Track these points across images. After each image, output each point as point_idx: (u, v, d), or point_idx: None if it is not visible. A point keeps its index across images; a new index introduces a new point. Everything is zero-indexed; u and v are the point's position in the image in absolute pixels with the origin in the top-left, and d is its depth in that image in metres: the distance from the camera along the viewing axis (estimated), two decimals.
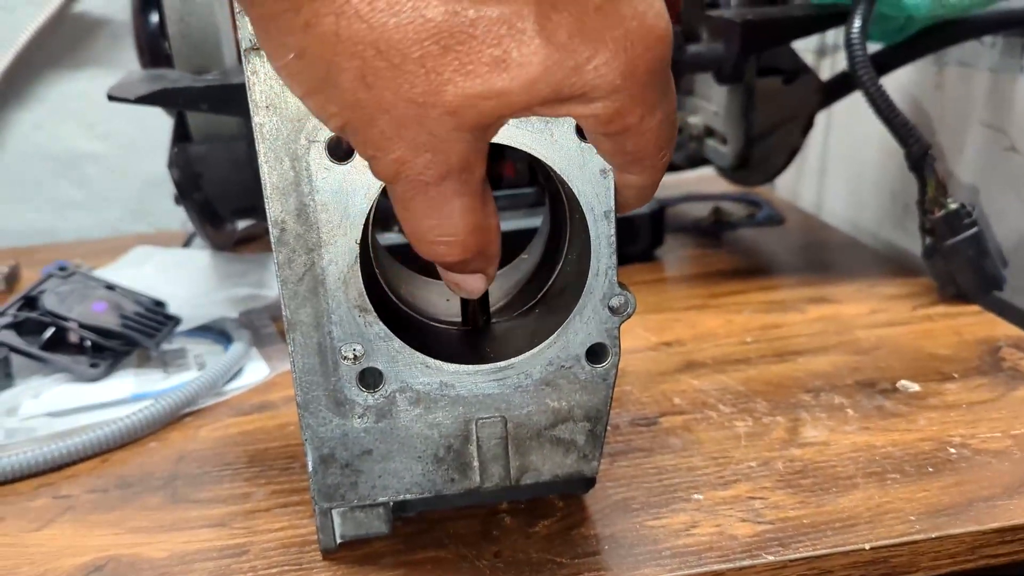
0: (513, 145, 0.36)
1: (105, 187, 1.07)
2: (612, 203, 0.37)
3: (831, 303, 0.70)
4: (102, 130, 1.04)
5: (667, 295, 0.74)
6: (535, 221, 0.74)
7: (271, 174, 0.35)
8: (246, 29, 0.34)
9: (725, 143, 0.82)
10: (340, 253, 0.36)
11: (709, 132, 0.86)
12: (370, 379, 0.38)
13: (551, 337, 0.39)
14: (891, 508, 0.44)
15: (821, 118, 0.79)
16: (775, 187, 1.04)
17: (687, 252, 0.85)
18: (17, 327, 0.63)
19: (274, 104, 0.34)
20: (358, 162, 0.35)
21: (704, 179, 1.02)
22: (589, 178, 0.37)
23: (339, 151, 0.35)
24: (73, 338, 0.64)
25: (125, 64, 0.94)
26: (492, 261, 0.34)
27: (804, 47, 0.82)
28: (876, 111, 0.65)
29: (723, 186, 0.99)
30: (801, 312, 0.69)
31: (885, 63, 0.72)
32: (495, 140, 0.36)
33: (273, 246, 0.36)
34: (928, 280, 0.71)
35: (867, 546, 0.41)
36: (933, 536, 0.41)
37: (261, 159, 0.35)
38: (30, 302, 0.66)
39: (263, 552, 0.43)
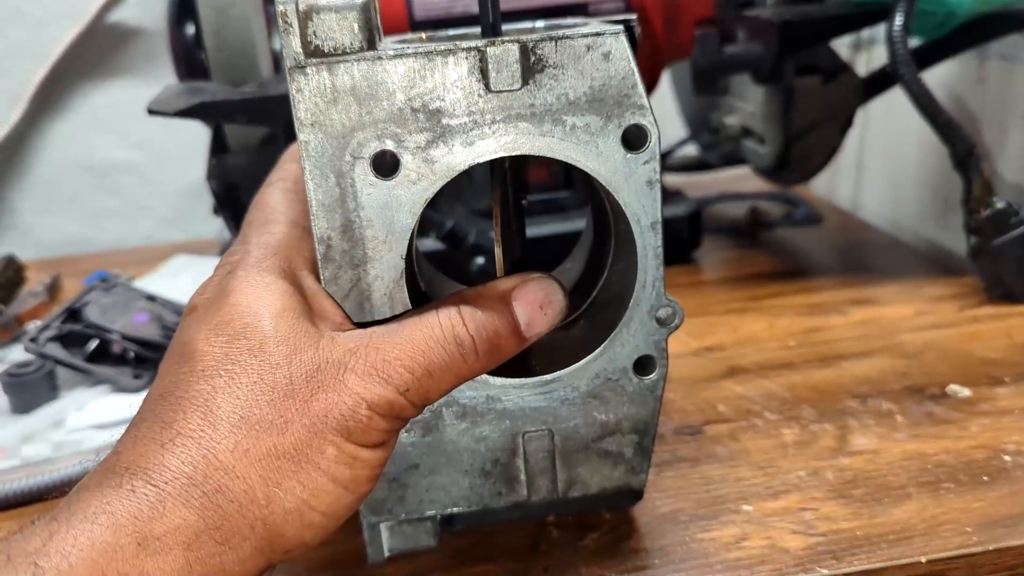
0: (559, 158, 0.36)
1: (141, 196, 1.08)
2: (659, 214, 0.37)
3: (874, 305, 0.69)
4: (137, 139, 1.05)
5: (707, 298, 0.73)
6: (571, 225, 0.74)
7: (316, 191, 0.35)
8: (291, 47, 0.34)
9: (763, 143, 0.81)
10: (386, 269, 0.36)
11: (746, 132, 0.85)
12: None
13: (598, 350, 0.39)
14: (946, 519, 0.43)
15: (858, 113, 0.78)
16: (811, 184, 1.03)
17: (725, 253, 0.84)
18: (62, 339, 0.64)
19: (319, 122, 0.34)
20: (402, 178, 0.35)
21: (739, 178, 1.01)
22: (635, 189, 0.36)
23: (384, 167, 0.35)
24: (116, 349, 0.64)
25: (159, 74, 0.95)
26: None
27: (839, 42, 0.81)
28: (920, 110, 0.64)
29: (758, 184, 0.97)
30: (844, 314, 0.67)
31: (926, 58, 0.71)
32: (540, 153, 0.35)
33: (319, 262, 0.36)
34: (973, 280, 0.70)
35: (923, 559, 0.40)
36: (991, 548, 0.41)
37: (307, 176, 0.35)
38: (73, 314, 0.66)
39: (313, 567, 0.43)
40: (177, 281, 0.83)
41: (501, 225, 0.40)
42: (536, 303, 0.35)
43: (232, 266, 0.35)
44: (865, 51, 0.92)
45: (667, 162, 0.98)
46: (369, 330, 0.34)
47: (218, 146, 0.69)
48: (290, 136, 0.35)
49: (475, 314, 0.34)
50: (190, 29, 0.71)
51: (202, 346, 0.32)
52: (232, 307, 0.33)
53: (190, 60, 0.71)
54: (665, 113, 0.99)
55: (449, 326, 0.34)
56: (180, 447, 0.30)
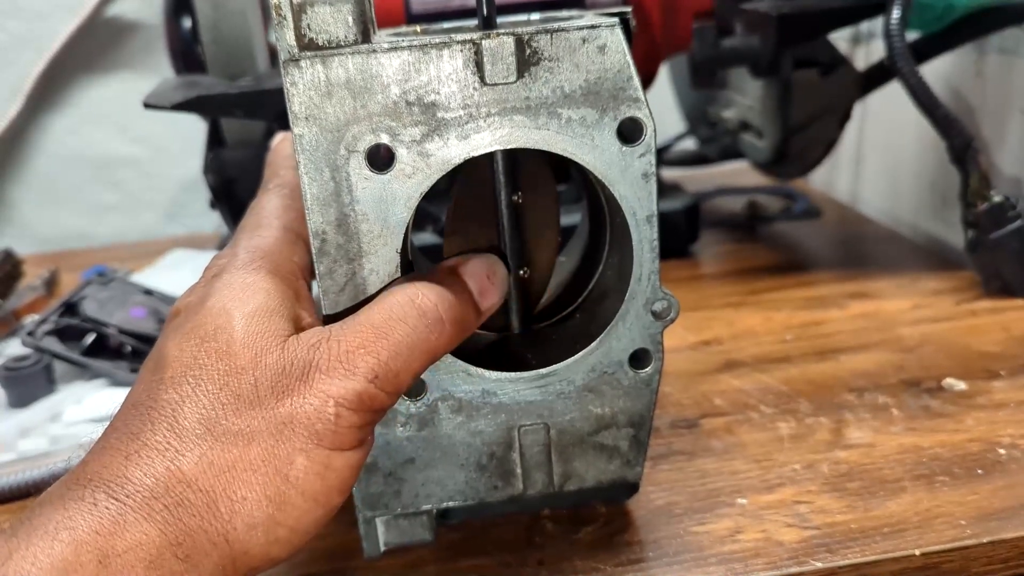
0: (554, 151, 0.36)
1: (140, 190, 1.08)
2: (655, 207, 0.37)
3: (872, 299, 0.69)
4: (136, 134, 1.05)
5: (704, 292, 0.73)
6: (568, 219, 0.74)
7: (311, 185, 0.35)
8: (285, 40, 0.34)
9: (761, 137, 0.81)
10: (381, 263, 0.36)
11: (744, 126, 0.85)
12: (412, 388, 0.38)
13: (593, 343, 0.39)
14: (941, 512, 0.43)
15: (856, 106, 0.78)
16: (809, 179, 1.03)
17: (723, 247, 0.84)
18: (59, 333, 0.64)
19: (313, 115, 0.34)
20: (398, 171, 0.35)
21: (738, 172, 1.01)
22: (631, 182, 0.36)
23: (379, 161, 0.35)
24: (113, 343, 0.64)
25: (158, 68, 0.94)
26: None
27: (838, 35, 0.81)
28: (917, 104, 0.63)
29: (757, 178, 0.97)
30: (841, 308, 0.68)
31: (924, 52, 0.70)
32: (535, 146, 0.35)
33: (314, 257, 0.36)
34: (971, 273, 0.70)
35: (917, 552, 0.40)
36: (985, 541, 0.41)
37: (301, 170, 0.35)
38: (70, 308, 0.66)
39: (308, 560, 0.43)
40: (175, 275, 0.83)
41: (452, 219, 0.40)
42: (483, 274, 0.36)
43: (218, 269, 0.35)
44: (864, 44, 0.91)
45: (665, 156, 0.98)
46: (332, 324, 0.33)
47: (215, 140, 0.69)
48: (285, 130, 0.35)
49: (432, 286, 0.34)
50: (187, 23, 0.71)
51: (173, 352, 0.31)
52: (207, 310, 0.32)
53: (187, 54, 0.71)
54: (664, 107, 0.99)
55: (408, 300, 0.33)
56: (144, 459, 0.29)
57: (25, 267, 0.84)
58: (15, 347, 0.66)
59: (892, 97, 0.73)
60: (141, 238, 1.08)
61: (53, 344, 0.63)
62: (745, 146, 0.86)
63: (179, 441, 0.29)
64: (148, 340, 0.64)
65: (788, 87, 0.75)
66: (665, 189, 0.82)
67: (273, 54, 0.69)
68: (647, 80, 0.79)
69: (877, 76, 0.75)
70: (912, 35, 0.69)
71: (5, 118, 1.00)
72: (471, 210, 0.40)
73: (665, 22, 0.74)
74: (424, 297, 0.33)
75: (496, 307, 0.37)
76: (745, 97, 0.83)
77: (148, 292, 0.70)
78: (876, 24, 0.78)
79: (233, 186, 0.68)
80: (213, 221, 0.98)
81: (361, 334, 0.32)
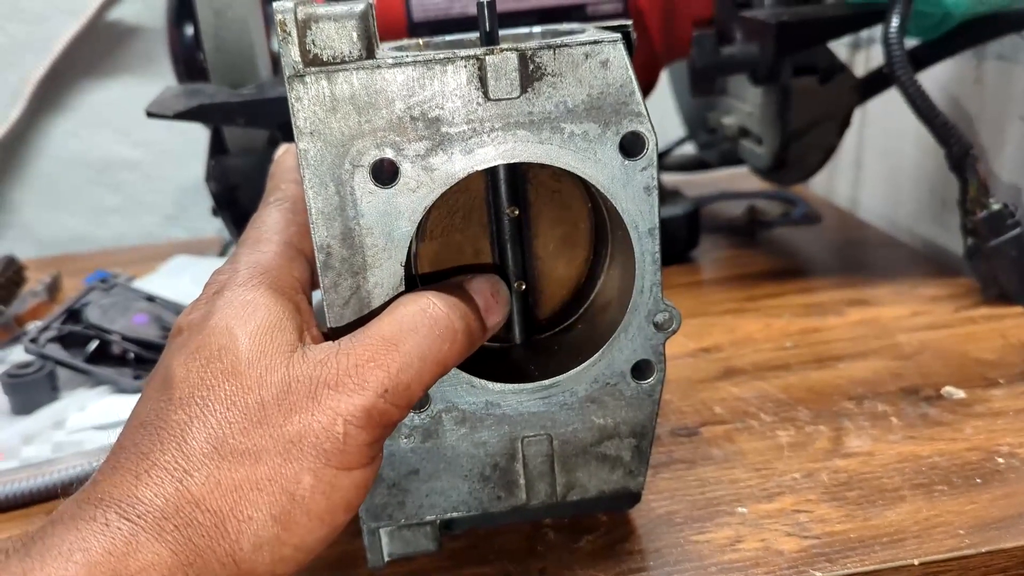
0: (557, 165, 0.36)
1: (141, 193, 1.08)
2: (656, 220, 0.37)
3: (871, 305, 0.69)
4: (137, 137, 1.06)
5: (704, 298, 0.73)
6: None
7: (316, 199, 0.35)
8: (289, 56, 0.34)
9: (760, 144, 0.81)
10: (385, 276, 0.36)
11: (743, 132, 0.85)
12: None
13: (596, 354, 0.39)
14: (939, 521, 0.43)
15: (856, 112, 0.78)
16: (809, 184, 1.03)
17: (723, 253, 0.84)
18: (62, 340, 0.64)
19: (318, 130, 0.34)
20: (402, 186, 0.35)
21: (737, 177, 1.01)
22: (633, 196, 0.37)
23: (383, 176, 0.35)
24: (116, 350, 0.65)
25: (159, 72, 0.95)
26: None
27: (838, 41, 0.81)
28: (915, 111, 0.64)
29: (757, 184, 0.98)
30: (840, 315, 0.68)
31: (923, 59, 0.71)
32: (538, 160, 0.36)
33: (319, 270, 0.36)
34: (969, 280, 0.70)
35: (916, 562, 0.41)
36: (983, 551, 0.41)
37: (306, 185, 0.35)
38: (73, 315, 0.67)
39: (312, 569, 0.43)
40: (177, 281, 0.83)
41: (434, 224, 0.40)
42: (488, 291, 0.37)
43: (219, 286, 0.35)
44: (864, 50, 0.92)
45: (665, 161, 0.99)
46: (341, 338, 0.33)
47: (217, 147, 0.69)
48: (288, 138, 0.35)
49: (443, 296, 0.34)
50: (189, 30, 0.71)
51: (179, 372, 0.32)
52: (211, 329, 0.32)
53: (189, 61, 0.71)
54: (664, 112, 0.99)
55: (419, 310, 0.33)
56: (154, 479, 0.29)
57: (27, 272, 0.85)
58: (18, 354, 0.67)
59: (892, 103, 0.73)
60: (142, 241, 1.08)
61: (56, 351, 0.63)
62: (744, 152, 0.86)
63: (187, 461, 0.30)
64: (151, 347, 0.65)
65: (787, 94, 0.75)
66: (665, 194, 0.83)
67: (275, 62, 0.69)
68: (646, 88, 0.79)
69: (876, 82, 0.76)
70: (911, 42, 0.69)
71: (7, 121, 1.01)
72: (457, 220, 0.41)
73: (665, 29, 0.74)
74: (435, 307, 0.34)
75: (500, 326, 0.38)
76: (745, 104, 0.83)
77: (150, 299, 0.71)
78: (876, 30, 0.79)
79: (236, 193, 0.68)
80: (215, 224, 0.99)
81: (371, 347, 0.32)
